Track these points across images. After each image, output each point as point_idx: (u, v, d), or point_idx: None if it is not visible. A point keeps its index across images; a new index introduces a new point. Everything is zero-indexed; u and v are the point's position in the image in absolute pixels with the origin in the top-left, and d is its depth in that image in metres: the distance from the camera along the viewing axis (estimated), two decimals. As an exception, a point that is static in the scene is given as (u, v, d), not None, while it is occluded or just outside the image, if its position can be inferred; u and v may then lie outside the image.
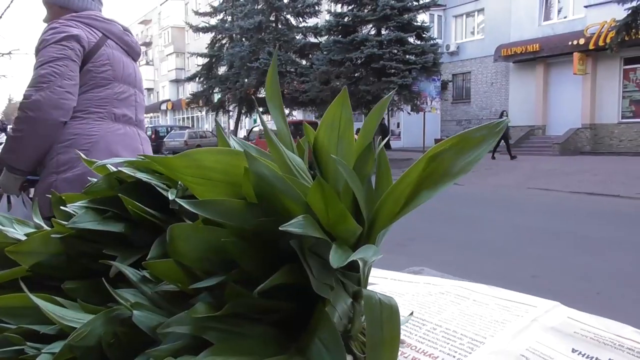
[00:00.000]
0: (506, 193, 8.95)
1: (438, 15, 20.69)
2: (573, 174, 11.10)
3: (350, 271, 0.41)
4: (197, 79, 25.84)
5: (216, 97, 25.16)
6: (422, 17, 17.48)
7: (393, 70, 15.34)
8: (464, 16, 20.53)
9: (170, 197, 0.50)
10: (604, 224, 6.19)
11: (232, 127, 27.23)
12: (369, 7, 16.13)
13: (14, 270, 0.53)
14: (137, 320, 0.36)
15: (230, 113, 26.19)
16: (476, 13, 20.06)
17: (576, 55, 15.62)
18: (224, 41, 24.83)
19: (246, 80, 21.51)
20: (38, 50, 1.70)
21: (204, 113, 33.64)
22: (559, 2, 17.14)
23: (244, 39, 21.85)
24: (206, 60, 25.15)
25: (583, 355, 0.48)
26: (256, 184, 0.38)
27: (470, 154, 0.40)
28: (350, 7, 16.51)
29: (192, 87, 32.03)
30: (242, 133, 26.43)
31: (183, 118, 41.65)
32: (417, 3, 16.18)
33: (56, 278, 0.53)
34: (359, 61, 15.86)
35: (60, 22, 1.74)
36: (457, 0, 20.26)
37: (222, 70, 24.70)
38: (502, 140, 14.07)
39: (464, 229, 5.96)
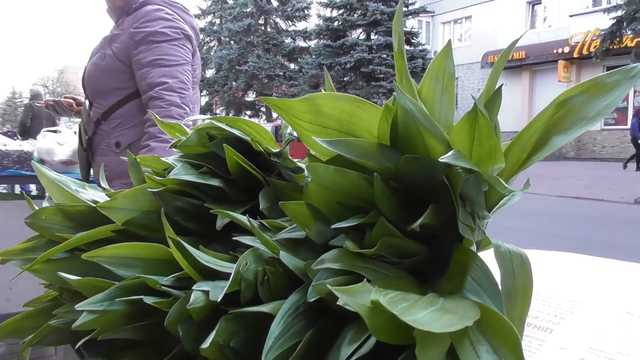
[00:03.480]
0: (495, 196, 9.03)
1: (426, 22, 20.92)
2: (558, 178, 11.28)
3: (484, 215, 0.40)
4: (184, 81, 25.62)
5: (204, 100, 24.98)
6: (411, 23, 17.68)
7: (382, 75, 15.47)
8: (452, 23, 20.79)
9: (272, 150, 0.48)
10: (592, 227, 6.29)
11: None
12: (359, 12, 16.27)
13: (100, 229, 0.51)
14: (284, 258, 0.35)
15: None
16: (463, 20, 20.33)
17: (561, 63, 15.94)
18: (212, 44, 24.71)
19: (234, 83, 21.44)
20: (152, 41, 1.51)
21: (190, 116, 33.37)
22: (544, 11, 17.49)
23: (232, 42, 21.79)
24: (193, 62, 24.97)
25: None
26: (402, 119, 0.37)
27: (605, 98, 0.39)
28: (340, 12, 16.62)
29: (178, 90, 31.74)
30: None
31: (168, 121, 41.27)
32: (406, 9, 16.36)
33: (144, 237, 0.51)
34: (348, 65, 15.95)
35: (168, 13, 1.56)
36: (445, 7, 20.51)
37: (210, 73, 24.57)
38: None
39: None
